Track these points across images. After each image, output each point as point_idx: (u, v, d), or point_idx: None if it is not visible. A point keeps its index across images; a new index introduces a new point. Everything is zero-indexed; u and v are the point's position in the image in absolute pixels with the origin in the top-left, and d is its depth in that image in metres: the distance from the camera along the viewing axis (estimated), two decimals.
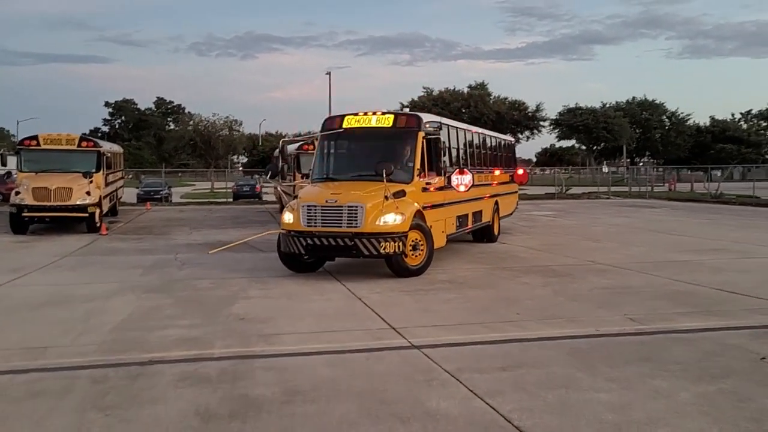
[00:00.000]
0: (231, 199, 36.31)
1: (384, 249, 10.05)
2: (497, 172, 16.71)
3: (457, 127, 13.86)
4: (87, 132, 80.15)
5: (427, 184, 11.34)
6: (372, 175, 10.73)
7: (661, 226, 19.35)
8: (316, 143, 12.26)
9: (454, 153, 13.15)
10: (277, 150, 11.92)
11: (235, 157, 63.76)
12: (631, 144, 68.40)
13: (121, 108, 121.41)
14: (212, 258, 12.74)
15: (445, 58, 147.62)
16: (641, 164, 71.68)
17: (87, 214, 18.08)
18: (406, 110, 52.08)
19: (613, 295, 8.87)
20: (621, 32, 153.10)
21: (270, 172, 11.31)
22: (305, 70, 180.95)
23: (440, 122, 12.28)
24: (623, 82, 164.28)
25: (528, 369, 5.43)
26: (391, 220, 10.17)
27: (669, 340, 6.38)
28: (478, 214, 14.61)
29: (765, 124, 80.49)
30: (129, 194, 37.50)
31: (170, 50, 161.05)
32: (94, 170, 19.50)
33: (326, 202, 10.31)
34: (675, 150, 72.06)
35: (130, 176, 46.10)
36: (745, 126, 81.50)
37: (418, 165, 11.08)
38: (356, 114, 11.77)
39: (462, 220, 13.38)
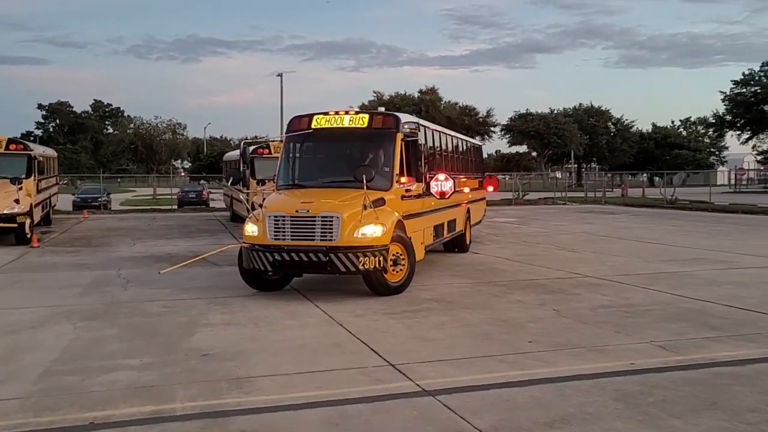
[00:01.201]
0: (176, 206, 34.38)
1: (363, 264, 8.90)
2: (469, 178, 15.80)
3: (433, 129, 12.83)
4: (18, 136, 75.83)
5: (407, 191, 10.25)
6: (346, 181, 9.59)
7: (629, 234, 18.82)
8: (280, 146, 10.98)
9: (431, 156, 12.12)
10: (238, 152, 10.59)
11: (179, 162, 61.20)
12: (579, 150, 69.13)
13: (56, 111, 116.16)
14: (161, 274, 11.30)
15: (391, 64, 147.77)
16: (592, 170, 72.60)
17: (16, 225, 16.22)
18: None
19: (621, 315, 7.96)
20: (561, 41, 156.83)
21: (231, 178, 9.92)
22: (251, 74, 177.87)
23: (418, 122, 11.24)
24: (564, 90, 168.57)
25: (580, 426, 4.36)
26: (371, 232, 9.03)
27: (721, 376, 5.45)
28: (452, 223, 13.63)
29: (703, 130, 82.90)
30: (64, 201, 35.13)
31: (109, 52, 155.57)
32: (24, 176, 17.60)
33: (296, 212, 9.08)
34: (621, 156, 73.28)
35: (65, 182, 43.44)
36: (684, 133, 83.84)
37: (396, 170, 9.98)
38: (326, 113, 10.57)
39: (439, 229, 12.36)
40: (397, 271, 9.52)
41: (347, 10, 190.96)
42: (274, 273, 9.43)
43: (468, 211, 15.32)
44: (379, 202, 9.38)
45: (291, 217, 9.09)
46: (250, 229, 9.45)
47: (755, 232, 19.28)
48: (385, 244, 9.15)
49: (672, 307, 8.43)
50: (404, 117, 10.76)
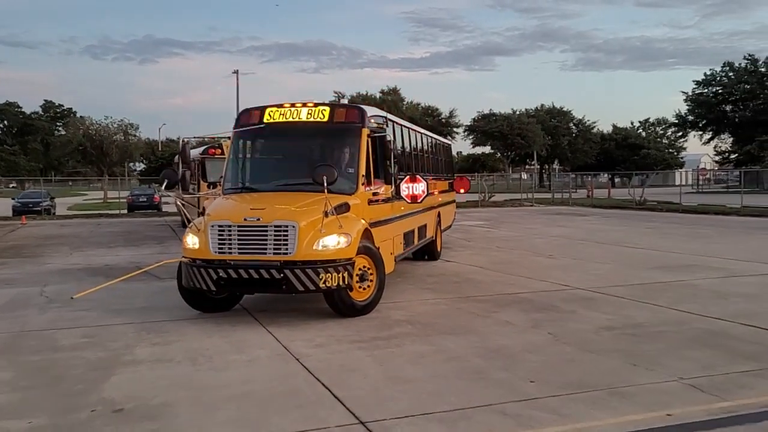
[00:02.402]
0: (125, 211, 32.35)
1: (324, 282, 7.52)
2: (439, 179, 14.55)
3: (402, 125, 11.51)
4: None
5: (374, 194, 8.91)
6: (304, 184, 8.18)
7: (606, 237, 17.83)
8: (229, 144, 9.50)
9: (401, 156, 10.81)
10: (177, 154, 9.05)
11: (132, 164, 58.57)
12: (542, 150, 68.82)
13: (3, 111, 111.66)
14: (91, 294, 9.71)
15: (352, 66, 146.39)
16: (553, 171, 72.39)
17: None
18: None
19: (631, 340, 6.76)
20: (520, 44, 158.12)
21: (166, 181, 8.39)
22: (208, 75, 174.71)
23: (386, 117, 9.91)
24: (523, 92, 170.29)
25: None
26: (334, 243, 7.65)
27: None
28: (423, 229, 12.34)
29: (662, 131, 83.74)
30: (4, 206, 32.83)
31: (62, 52, 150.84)
32: None
33: (245, 220, 7.64)
34: (582, 156, 73.33)
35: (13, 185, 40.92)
36: (644, 134, 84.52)
37: (362, 170, 8.62)
38: (281, 106, 9.16)
39: (409, 237, 11.04)
40: (364, 288, 8.16)
41: (307, 12, 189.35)
42: (218, 292, 7.96)
43: (439, 215, 14.06)
44: (343, 208, 8.01)
45: (238, 226, 7.65)
46: (190, 241, 7.98)
47: (735, 234, 18.50)
48: (350, 257, 7.79)
49: (686, 328, 7.26)
50: (370, 110, 9.42)
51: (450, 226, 16.40)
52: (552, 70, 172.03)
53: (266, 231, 7.57)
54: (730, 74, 62.05)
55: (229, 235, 7.67)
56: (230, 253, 7.66)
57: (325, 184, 7.48)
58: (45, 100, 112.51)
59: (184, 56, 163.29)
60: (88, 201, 49.16)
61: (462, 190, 16.40)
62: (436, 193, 14.05)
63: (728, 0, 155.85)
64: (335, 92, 64.08)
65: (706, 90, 62.46)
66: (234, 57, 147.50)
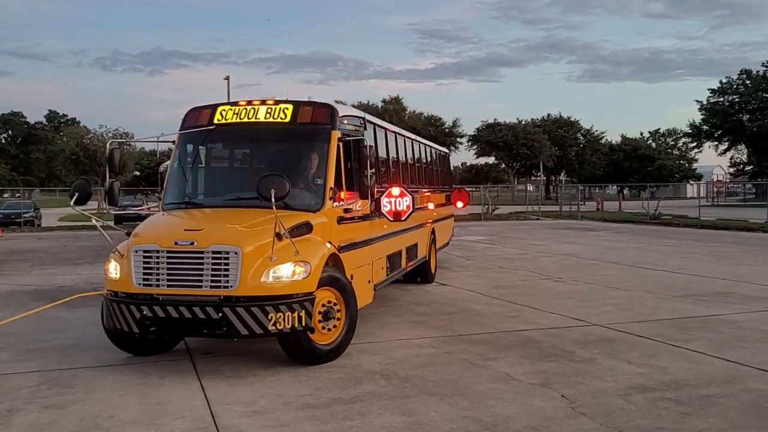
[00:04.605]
0: (113, 222, 30.81)
1: (275, 323, 5.90)
2: (433, 192, 12.93)
3: (386, 128, 9.88)
4: None
5: (346, 211, 7.28)
6: (257, 198, 6.52)
7: (621, 256, 16.14)
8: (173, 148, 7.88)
9: (383, 164, 9.22)
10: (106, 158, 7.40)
11: (123, 174, 57.11)
12: (549, 161, 66.98)
13: (8, 121, 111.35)
14: (19, 322, 8.17)
15: (357, 77, 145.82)
16: (560, 182, 70.66)
17: None
18: None
19: (674, 411, 5.06)
20: (525, 56, 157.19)
21: (76, 194, 6.77)
22: (215, 86, 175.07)
23: (364, 118, 8.32)
24: (528, 103, 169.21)
25: None
26: (287, 273, 6.04)
27: None
28: (413, 249, 10.70)
29: (673, 142, 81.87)
30: None
31: (72, 64, 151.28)
32: None
33: (175, 244, 6.03)
34: (590, 168, 71.48)
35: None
36: (654, 145, 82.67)
37: (331, 182, 7.00)
38: (236, 104, 7.58)
39: (394, 259, 9.41)
40: (328, 329, 6.51)
41: (313, 24, 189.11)
42: (142, 334, 6.32)
43: (433, 232, 12.42)
44: (302, 229, 6.39)
45: (167, 251, 6.04)
46: (112, 269, 6.38)
47: (764, 253, 16.76)
48: (310, 291, 6.17)
49: (739, 389, 5.56)
50: (343, 109, 7.81)
51: (447, 243, 14.77)
52: (558, 81, 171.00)
53: (201, 258, 5.96)
54: (747, 82, 59.82)
55: (157, 262, 6.07)
56: (157, 285, 6.05)
57: (273, 200, 5.85)
58: (49, 110, 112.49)
59: (191, 68, 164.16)
60: (85, 211, 47.67)
61: (460, 204, 14.74)
62: (431, 207, 12.46)
63: (738, 11, 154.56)
64: (336, 101, 62.62)
65: (721, 99, 60.22)
66: (241, 69, 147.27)
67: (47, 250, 19.70)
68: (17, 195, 45.93)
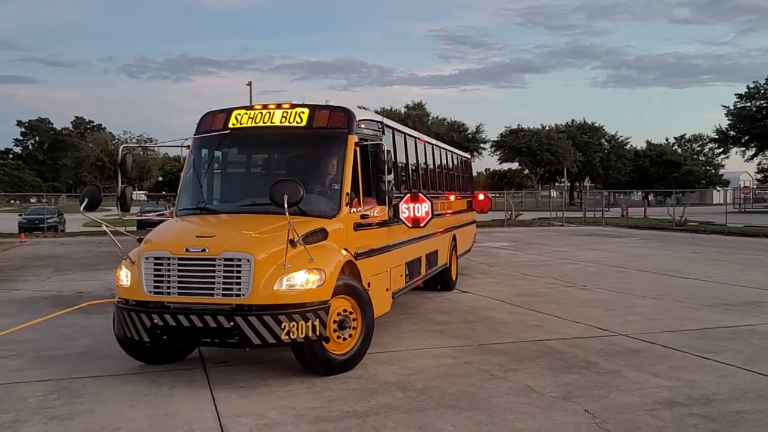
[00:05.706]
0: (135, 228, 31.05)
1: (288, 333, 5.74)
2: (454, 198, 12.69)
3: (405, 133, 9.69)
4: None
5: (363, 217, 7.10)
6: (272, 204, 6.36)
7: (647, 264, 15.73)
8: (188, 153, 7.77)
9: (402, 170, 9.03)
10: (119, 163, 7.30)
11: (148, 180, 57.62)
12: (573, 167, 66.18)
13: (35, 128, 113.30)
14: (33, 328, 8.11)
15: (381, 83, 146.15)
16: (584, 188, 69.76)
17: None
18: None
19: (700, 425, 4.80)
20: (549, 61, 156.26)
21: (86, 200, 6.64)
22: (240, 92, 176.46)
23: (382, 122, 8.15)
24: (552, 109, 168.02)
25: None
26: (302, 281, 5.88)
27: None
28: (432, 256, 10.48)
29: (699, 148, 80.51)
30: (10, 223, 31.85)
31: (99, 72, 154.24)
32: None
33: (186, 251, 5.90)
34: (615, 174, 70.51)
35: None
36: (680, 150, 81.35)
37: (347, 187, 6.83)
38: (251, 108, 7.45)
39: (413, 267, 9.20)
40: (344, 339, 6.34)
41: (338, 32, 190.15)
42: (153, 344, 6.20)
43: (454, 238, 12.19)
44: (317, 236, 6.23)
45: (179, 258, 5.91)
46: (123, 276, 6.27)
47: None
48: (324, 299, 6.00)
49: None
50: (361, 113, 7.63)
51: (469, 250, 14.52)
52: (582, 87, 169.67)
53: (213, 265, 5.82)
54: None
55: (168, 269, 5.94)
56: (168, 293, 5.93)
57: (286, 205, 5.70)
58: (75, 117, 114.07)
59: (217, 74, 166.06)
60: (108, 217, 48.20)
61: (481, 210, 14.48)
62: (450, 213, 12.23)
63: (765, 16, 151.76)
64: (359, 107, 62.69)
65: (749, 104, 58.85)
66: (266, 75, 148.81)
67: (69, 255, 19.81)
68: (43, 200, 46.50)
